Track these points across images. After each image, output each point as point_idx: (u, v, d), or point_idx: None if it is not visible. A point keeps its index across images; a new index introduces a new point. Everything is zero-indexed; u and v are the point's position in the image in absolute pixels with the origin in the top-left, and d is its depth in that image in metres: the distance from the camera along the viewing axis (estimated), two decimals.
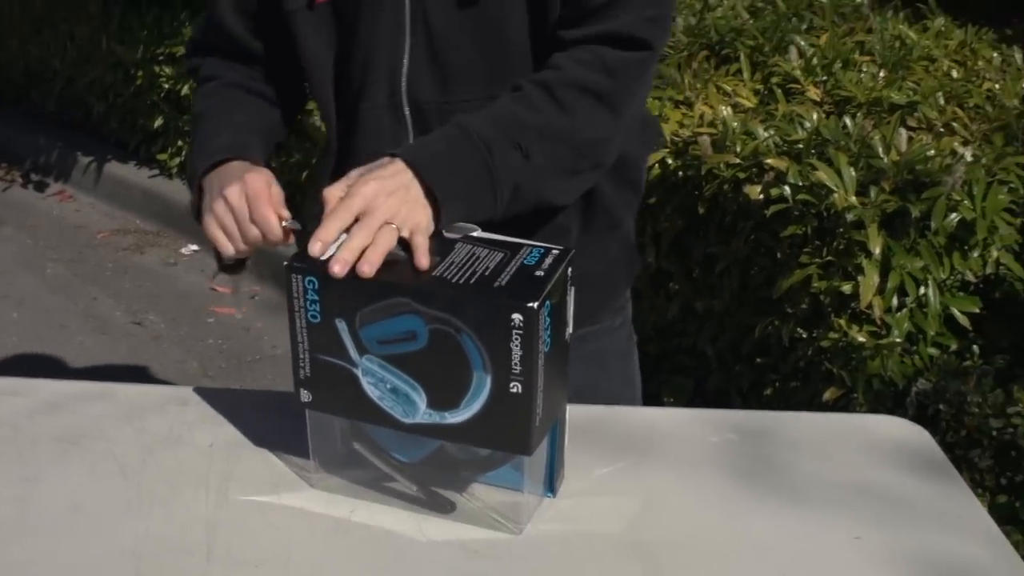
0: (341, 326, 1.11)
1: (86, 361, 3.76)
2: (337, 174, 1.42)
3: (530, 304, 1.03)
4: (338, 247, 1.12)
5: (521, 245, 1.13)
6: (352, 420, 1.18)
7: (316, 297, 1.11)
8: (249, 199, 1.27)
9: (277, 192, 1.31)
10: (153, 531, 1.14)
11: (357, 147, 1.44)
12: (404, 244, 1.15)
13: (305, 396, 1.17)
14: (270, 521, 1.16)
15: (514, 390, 1.07)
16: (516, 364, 1.06)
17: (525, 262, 1.10)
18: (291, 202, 1.32)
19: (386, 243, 1.13)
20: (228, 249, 1.30)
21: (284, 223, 1.27)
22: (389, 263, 1.12)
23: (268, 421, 1.33)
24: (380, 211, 1.16)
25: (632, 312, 1.69)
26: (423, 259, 1.13)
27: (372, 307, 1.09)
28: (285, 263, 1.11)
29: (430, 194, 1.22)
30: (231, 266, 1.40)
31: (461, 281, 1.08)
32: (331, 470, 1.21)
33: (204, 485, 1.22)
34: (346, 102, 1.45)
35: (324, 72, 1.44)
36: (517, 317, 1.04)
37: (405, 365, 1.11)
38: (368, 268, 1.10)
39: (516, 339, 1.05)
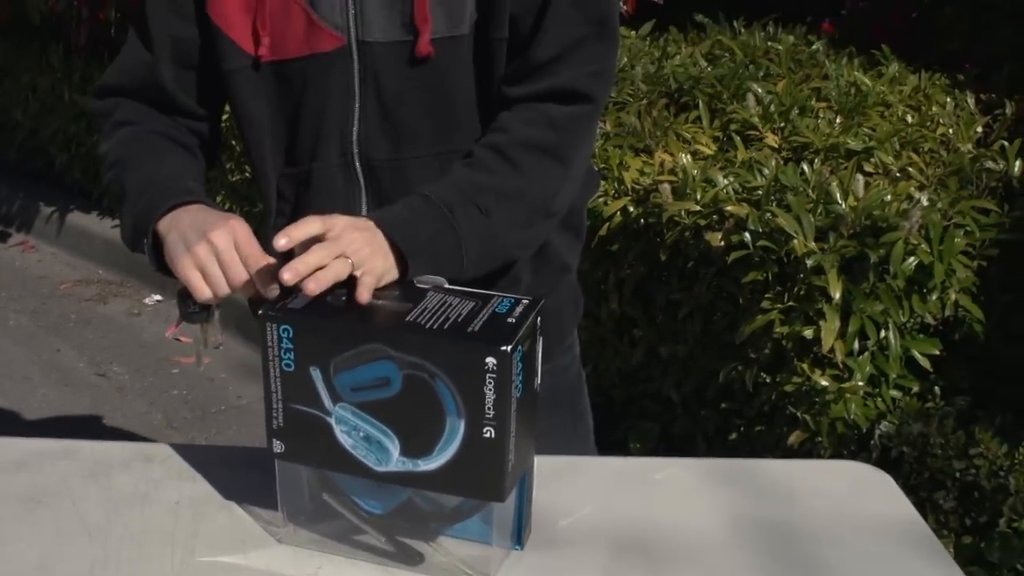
0: (315, 374, 1.12)
1: (49, 413, 3.72)
2: None
3: (503, 347, 1.05)
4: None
5: (491, 295, 1.15)
6: (323, 471, 1.19)
7: (291, 345, 1.12)
8: (239, 244, 1.24)
9: (255, 242, 1.31)
10: None
11: (308, 205, 1.45)
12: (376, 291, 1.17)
13: (278, 447, 1.17)
14: None
15: (487, 435, 1.08)
16: (489, 408, 1.07)
17: (496, 310, 1.11)
18: None
19: (338, 270, 1.15)
20: (204, 293, 1.26)
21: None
22: (364, 309, 1.14)
23: (235, 477, 1.32)
24: (343, 241, 1.19)
25: (597, 358, 1.71)
26: (363, 294, 1.15)
27: (346, 354, 1.10)
28: (260, 312, 1.12)
29: (395, 248, 1.24)
30: (196, 313, 1.36)
31: (435, 327, 1.09)
32: (299, 523, 1.21)
33: (170, 543, 1.21)
34: (294, 161, 1.46)
35: (263, 132, 1.44)
36: (491, 361, 1.05)
37: (379, 412, 1.11)
38: (314, 285, 1.12)
39: (490, 383, 1.06)
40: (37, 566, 1.17)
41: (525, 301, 1.14)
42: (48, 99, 5.57)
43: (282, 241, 1.16)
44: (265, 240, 1.33)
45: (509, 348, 1.05)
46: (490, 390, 1.06)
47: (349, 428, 1.13)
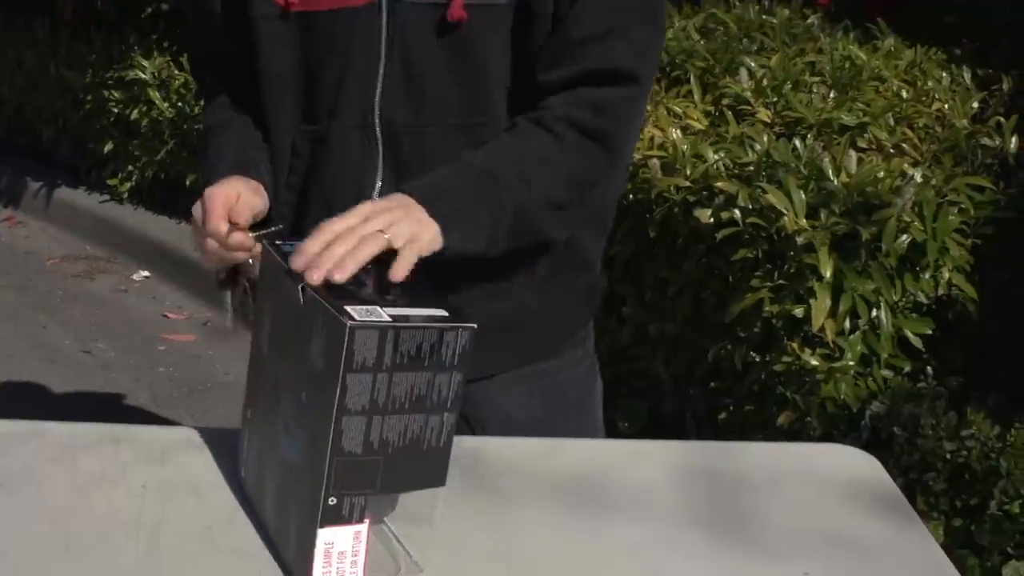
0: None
1: (34, 390, 3.68)
2: (304, 192, 1.41)
3: (350, 323, 0.99)
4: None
5: (456, 327, 1.07)
6: None
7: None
8: (204, 211, 1.28)
9: (246, 200, 1.31)
10: None
11: (323, 165, 1.41)
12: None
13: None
14: (202, 567, 1.12)
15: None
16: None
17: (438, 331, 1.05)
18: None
19: (368, 251, 1.12)
20: (208, 261, 1.32)
21: (256, 234, 1.28)
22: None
23: (204, 460, 1.29)
24: (374, 221, 1.16)
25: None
26: (400, 269, 1.12)
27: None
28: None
29: (433, 216, 1.22)
30: (223, 281, 1.44)
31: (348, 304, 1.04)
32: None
33: (135, 528, 1.18)
34: (312, 119, 1.42)
35: (283, 85, 1.41)
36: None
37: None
38: (340, 275, 1.09)
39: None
40: None
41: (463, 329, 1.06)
42: (35, 74, 5.51)
43: (314, 276, 1.09)
44: (274, 198, 1.40)
45: (354, 326, 0.99)
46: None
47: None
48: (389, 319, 1.01)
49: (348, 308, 1.01)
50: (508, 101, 1.37)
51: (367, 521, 1.07)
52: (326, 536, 1.05)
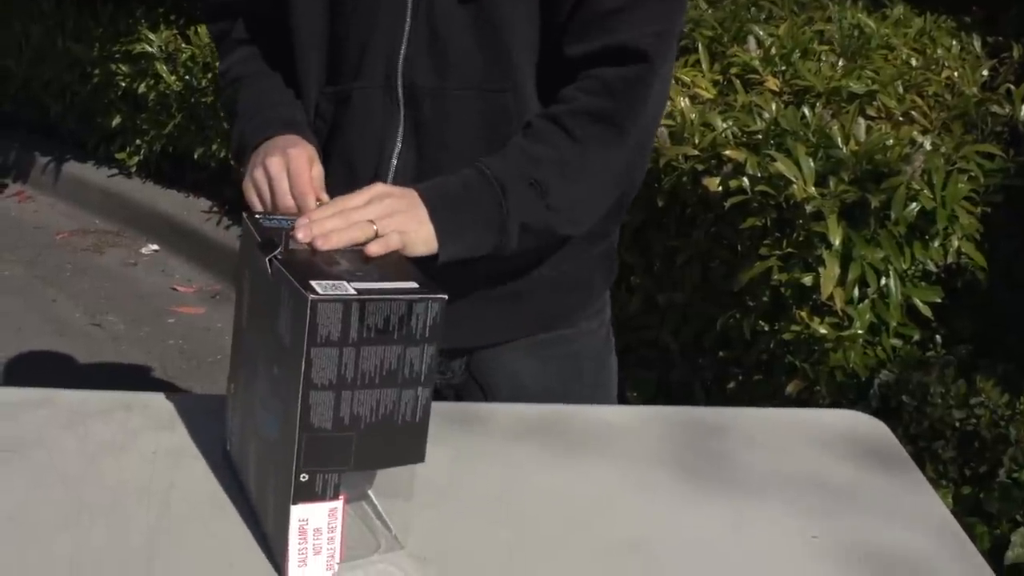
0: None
1: (44, 363, 3.70)
2: (326, 153, 1.41)
3: (312, 296, 0.98)
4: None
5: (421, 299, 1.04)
6: None
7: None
8: (290, 174, 1.29)
9: (318, 172, 1.33)
10: (92, 543, 1.10)
11: (346, 126, 1.42)
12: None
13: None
14: (212, 532, 1.13)
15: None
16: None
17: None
18: None
19: (351, 235, 1.14)
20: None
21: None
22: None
23: (214, 426, 1.29)
24: (375, 206, 1.19)
25: None
26: (374, 247, 1.14)
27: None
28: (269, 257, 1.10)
29: (434, 224, 1.24)
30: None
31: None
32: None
33: (146, 494, 1.18)
34: (336, 79, 1.42)
35: (312, 43, 1.41)
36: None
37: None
38: (322, 242, 1.11)
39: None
40: (10, 516, 1.14)
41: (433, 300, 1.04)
42: (41, 47, 5.50)
43: (300, 234, 1.13)
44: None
45: (316, 299, 0.98)
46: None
47: None
48: (354, 292, 1.00)
49: (312, 283, 1.00)
50: (534, 69, 1.36)
51: (342, 498, 1.05)
52: (300, 512, 1.03)
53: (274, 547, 1.08)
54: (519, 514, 1.19)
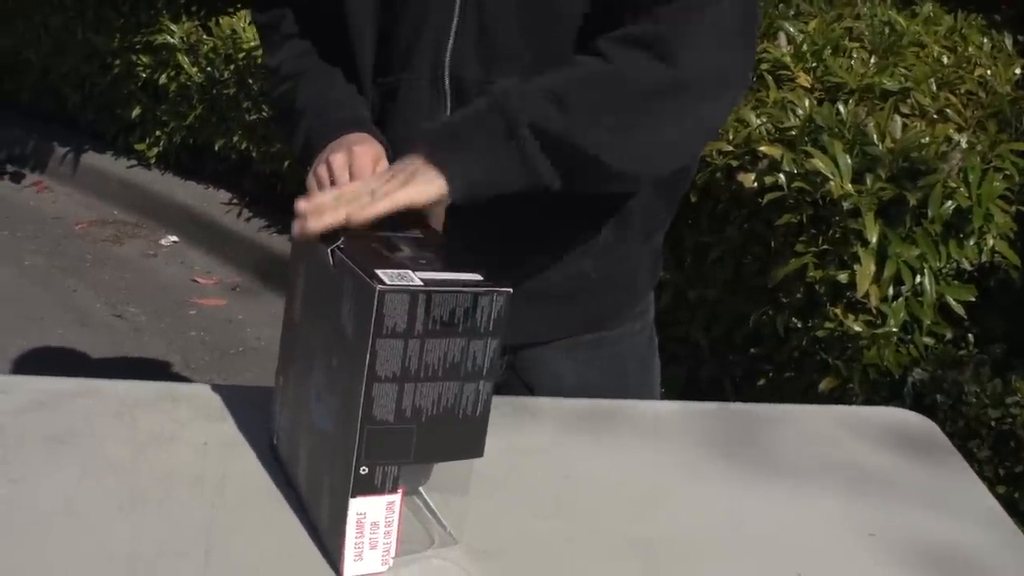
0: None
1: (66, 354, 3.69)
2: None
3: (380, 286, 0.96)
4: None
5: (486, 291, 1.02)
6: None
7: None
8: (353, 173, 1.27)
9: (383, 170, 1.29)
10: (148, 533, 1.09)
11: (394, 118, 1.40)
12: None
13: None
14: (269, 520, 1.12)
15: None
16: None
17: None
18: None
19: (339, 217, 1.12)
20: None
21: None
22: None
23: (261, 418, 1.29)
24: (372, 181, 1.18)
25: None
26: (381, 205, 1.13)
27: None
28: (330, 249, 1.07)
29: (438, 165, 1.19)
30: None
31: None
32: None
33: (199, 484, 1.17)
34: (386, 71, 1.40)
35: (363, 37, 1.40)
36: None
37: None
38: (298, 228, 1.12)
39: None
40: (62, 507, 1.13)
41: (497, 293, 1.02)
42: (61, 38, 5.50)
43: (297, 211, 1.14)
44: None
45: (383, 290, 0.96)
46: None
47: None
48: (421, 283, 0.98)
49: (378, 272, 0.99)
50: None
51: (400, 491, 1.04)
52: (358, 506, 1.02)
53: (327, 541, 1.07)
54: (572, 507, 1.18)
